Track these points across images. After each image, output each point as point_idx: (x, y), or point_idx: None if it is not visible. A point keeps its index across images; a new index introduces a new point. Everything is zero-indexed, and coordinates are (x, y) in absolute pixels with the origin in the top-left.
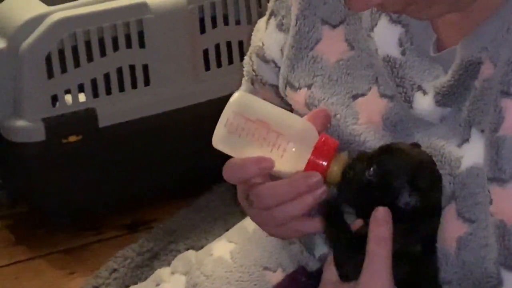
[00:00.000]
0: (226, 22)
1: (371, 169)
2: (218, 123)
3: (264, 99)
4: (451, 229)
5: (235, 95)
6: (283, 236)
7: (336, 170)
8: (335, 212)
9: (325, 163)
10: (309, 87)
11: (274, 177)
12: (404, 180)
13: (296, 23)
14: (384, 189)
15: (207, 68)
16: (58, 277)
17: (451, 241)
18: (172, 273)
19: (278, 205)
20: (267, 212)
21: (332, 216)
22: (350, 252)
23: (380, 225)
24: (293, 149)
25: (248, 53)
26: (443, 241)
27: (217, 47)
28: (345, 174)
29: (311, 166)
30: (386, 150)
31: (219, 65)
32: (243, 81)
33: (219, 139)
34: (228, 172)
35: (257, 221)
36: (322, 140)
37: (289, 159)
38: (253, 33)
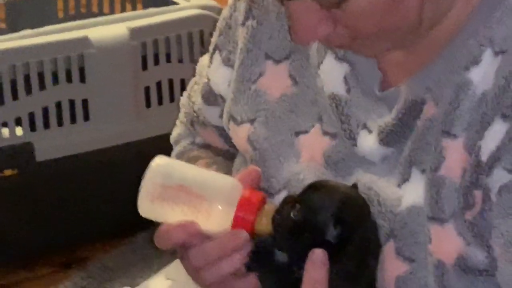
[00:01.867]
0: (168, 60)
1: (296, 208)
2: (140, 193)
3: (206, 140)
4: (390, 268)
5: (155, 162)
6: None
7: (264, 220)
8: (263, 254)
9: (252, 217)
10: (251, 122)
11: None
12: (328, 214)
13: (240, 56)
14: (310, 226)
15: (148, 105)
16: None
17: (390, 280)
18: None
19: (208, 265)
20: (198, 272)
21: (261, 259)
22: None
23: (316, 267)
24: (219, 208)
25: (186, 94)
26: (382, 281)
27: (159, 84)
28: (273, 221)
29: (238, 222)
30: (311, 188)
31: (160, 102)
32: (178, 123)
33: (144, 209)
34: (157, 240)
35: (194, 280)
36: (246, 195)
37: (216, 219)
38: (196, 71)
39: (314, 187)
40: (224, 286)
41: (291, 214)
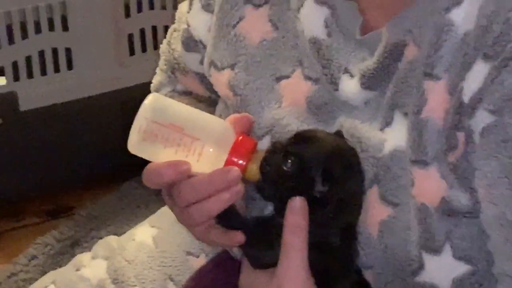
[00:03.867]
0: (151, 7)
1: (289, 161)
2: (132, 129)
3: (187, 87)
4: (374, 212)
5: (148, 99)
6: (203, 241)
7: (255, 168)
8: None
9: (243, 162)
10: (232, 67)
11: None
12: (318, 169)
13: (219, 1)
14: (299, 179)
15: (132, 53)
16: None
17: (373, 225)
18: (93, 258)
19: (197, 202)
20: (186, 210)
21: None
22: (256, 239)
23: (295, 213)
24: (211, 150)
25: (165, 41)
26: (365, 225)
27: (142, 31)
28: (262, 170)
29: (229, 165)
30: (301, 139)
31: (144, 49)
32: (158, 71)
33: (134, 146)
34: (146, 178)
35: (180, 221)
36: (240, 139)
37: (207, 161)
38: (176, 17)
39: (305, 139)
40: (208, 233)
41: (285, 167)
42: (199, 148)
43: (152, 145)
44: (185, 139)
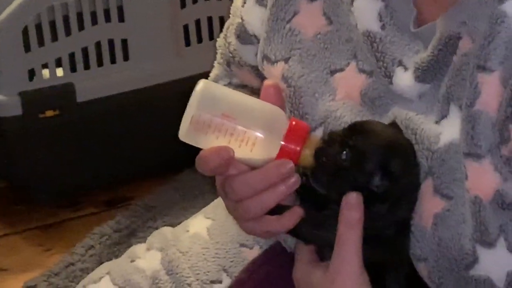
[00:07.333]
0: None
1: (344, 153)
2: (183, 119)
3: (243, 81)
4: (428, 205)
5: (199, 86)
6: (255, 233)
7: (308, 154)
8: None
9: (298, 148)
10: (286, 60)
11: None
12: (377, 163)
13: None
14: (357, 172)
15: (188, 43)
16: (35, 253)
17: (427, 217)
18: (148, 249)
19: (252, 196)
20: (241, 204)
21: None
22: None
23: (351, 209)
24: (263, 137)
25: (222, 35)
26: (419, 217)
27: (198, 22)
28: (317, 158)
29: (283, 152)
30: (359, 131)
31: (199, 40)
32: (216, 65)
33: (186, 136)
34: (197, 165)
35: (233, 215)
36: (293, 124)
37: (261, 148)
38: (231, 12)
39: (363, 131)
40: (261, 223)
41: (341, 157)
42: (252, 137)
43: (204, 135)
44: (238, 129)
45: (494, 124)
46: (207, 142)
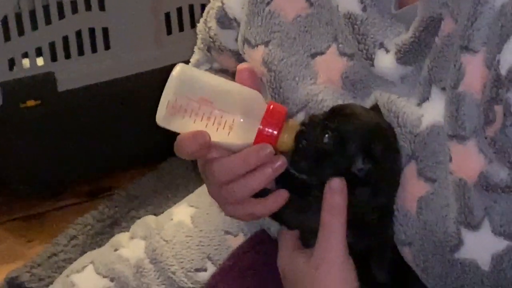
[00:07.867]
0: None
1: (326, 136)
2: (160, 103)
3: (223, 66)
4: (412, 189)
5: (176, 70)
6: (238, 216)
7: (287, 138)
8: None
9: (275, 132)
10: (266, 44)
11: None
12: (360, 146)
13: None
14: (339, 156)
15: (169, 32)
16: (17, 244)
17: (411, 201)
18: (131, 238)
19: (234, 180)
20: (225, 187)
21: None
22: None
23: (335, 194)
24: (241, 121)
25: (202, 20)
26: (403, 201)
27: (179, 10)
28: (298, 142)
29: (261, 136)
30: (340, 114)
31: (181, 28)
32: (196, 50)
33: (163, 120)
34: (175, 150)
35: (215, 198)
36: (271, 108)
37: (238, 132)
38: None
39: (344, 114)
40: (245, 206)
41: (324, 140)
42: (229, 121)
43: (181, 119)
44: (214, 113)
45: (479, 105)
46: (184, 127)
